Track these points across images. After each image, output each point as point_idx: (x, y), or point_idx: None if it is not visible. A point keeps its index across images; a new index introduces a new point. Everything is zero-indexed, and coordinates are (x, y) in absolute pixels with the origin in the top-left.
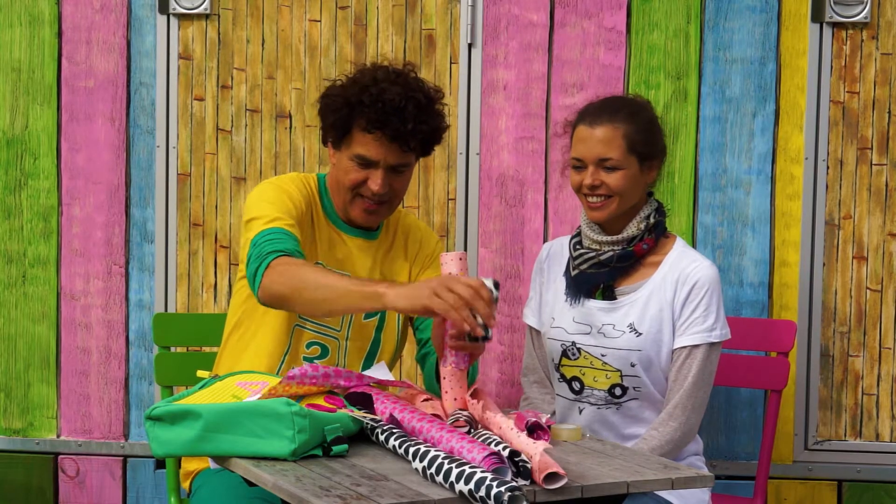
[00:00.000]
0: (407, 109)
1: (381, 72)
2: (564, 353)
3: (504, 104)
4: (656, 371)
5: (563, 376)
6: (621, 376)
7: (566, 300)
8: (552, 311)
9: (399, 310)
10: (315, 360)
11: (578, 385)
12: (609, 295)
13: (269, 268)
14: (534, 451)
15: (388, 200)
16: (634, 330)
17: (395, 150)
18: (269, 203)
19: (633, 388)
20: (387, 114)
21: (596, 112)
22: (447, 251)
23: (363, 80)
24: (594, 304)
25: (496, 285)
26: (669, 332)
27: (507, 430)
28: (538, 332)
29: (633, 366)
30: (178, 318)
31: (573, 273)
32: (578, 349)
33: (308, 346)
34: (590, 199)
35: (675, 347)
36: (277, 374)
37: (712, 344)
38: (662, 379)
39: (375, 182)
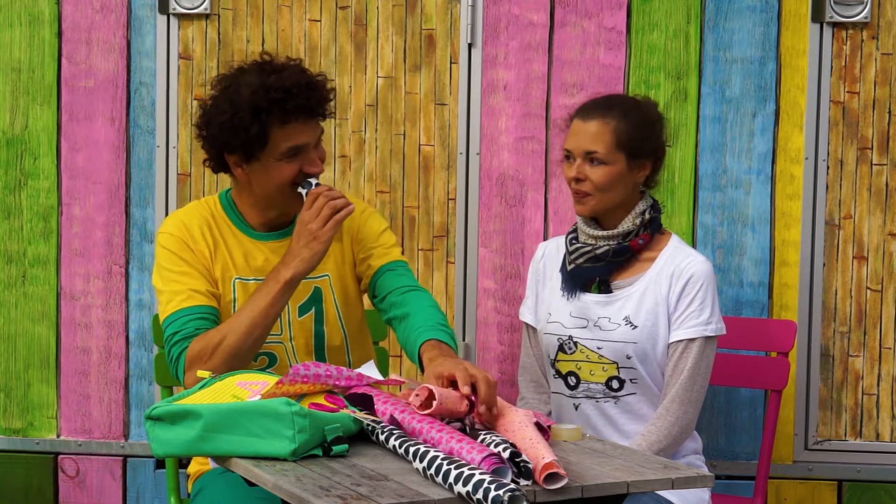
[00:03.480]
0: (309, 83)
1: (255, 69)
2: (561, 348)
3: (504, 104)
4: (652, 365)
5: (558, 372)
6: (618, 368)
7: (563, 295)
8: (549, 307)
9: (305, 273)
10: (267, 370)
11: (574, 380)
12: (605, 289)
13: (187, 371)
14: (536, 452)
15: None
16: (630, 323)
17: (312, 126)
18: (166, 269)
19: (630, 380)
20: (296, 98)
21: (591, 107)
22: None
23: (255, 84)
24: (590, 298)
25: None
26: (665, 327)
27: (513, 422)
28: (535, 329)
29: (628, 358)
30: None
31: (569, 267)
32: (575, 343)
33: (255, 358)
34: (575, 191)
35: (670, 341)
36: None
37: (708, 338)
38: (659, 374)
39: (313, 164)
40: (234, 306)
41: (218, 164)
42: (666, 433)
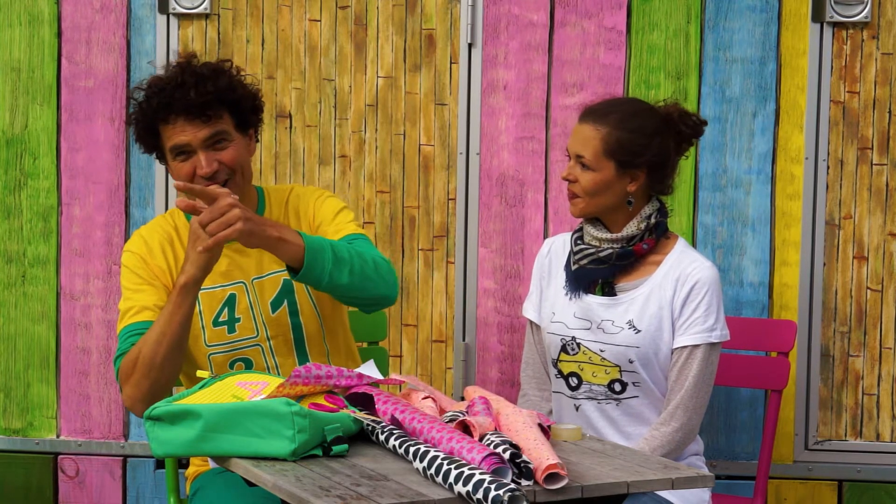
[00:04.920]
0: (186, 82)
1: (162, 69)
2: (563, 348)
3: (504, 104)
4: (655, 369)
5: (560, 372)
6: (620, 371)
7: (566, 294)
8: (553, 305)
9: (198, 274)
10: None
11: (576, 381)
12: (609, 291)
13: (122, 388)
14: (540, 453)
15: (228, 178)
16: (633, 327)
17: (197, 125)
18: (124, 288)
19: (633, 383)
20: (170, 95)
21: (591, 110)
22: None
23: (147, 83)
24: (594, 300)
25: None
26: (668, 331)
27: (517, 422)
28: (538, 326)
29: (631, 362)
30: None
31: (573, 268)
32: (578, 344)
33: (231, 365)
34: (568, 191)
35: (675, 347)
36: None
37: (712, 344)
38: (661, 377)
39: (200, 165)
40: (201, 317)
41: (159, 159)
42: (669, 439)
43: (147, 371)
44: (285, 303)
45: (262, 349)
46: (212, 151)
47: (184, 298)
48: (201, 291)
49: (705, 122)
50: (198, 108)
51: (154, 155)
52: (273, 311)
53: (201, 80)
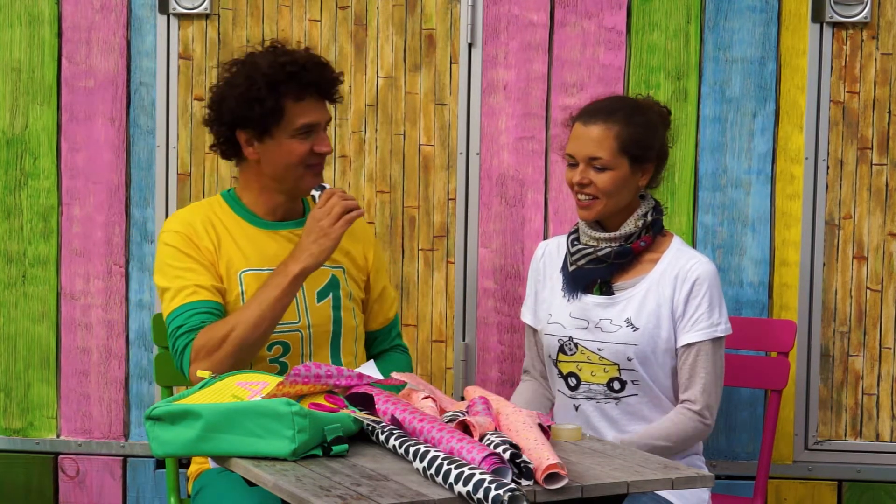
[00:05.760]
0: (320, 64)
1: (269, 51)
2: (561, 349)
3: (504, 104)
4: (653, 366)
5: (560, 372)
6: (619, 370)
7: (563, 296)
8: (549, 307)
9: (313, 268)
10: (280, 359)
11: (575, 381)
12: (606, 290)
13: (193, 362)
14: (540, 453)
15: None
16: (631, 325)
17: (325, 106)
18: (170, 266)
19: (632, 381)
20: (310, 74)
21: (593, 111)
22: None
23: (270, 60)
24: (591, 300)
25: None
26: (667, 329)
27: (517, 422)
28: (535, 329)
29: (629, 360)
30: None
31: (571, 269)
32: (576, 344)
33: (269, 347)
34: (579, 196)
35: (680, 345)
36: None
37: (718, 338)
38: (660, 375)
39: (323, 143)
40: (243, 299)
41: (228, 145)
42: (697, 419)
43: (236, 350)
44: (330, 296)
45: (302, 336)
46: (324, 133)
47: (293, 287)
48: (249, 272)
49: (670, 111)
50: (328, 91)
51: (218, 141)
52: (318, 301)
53: (327, 62)
